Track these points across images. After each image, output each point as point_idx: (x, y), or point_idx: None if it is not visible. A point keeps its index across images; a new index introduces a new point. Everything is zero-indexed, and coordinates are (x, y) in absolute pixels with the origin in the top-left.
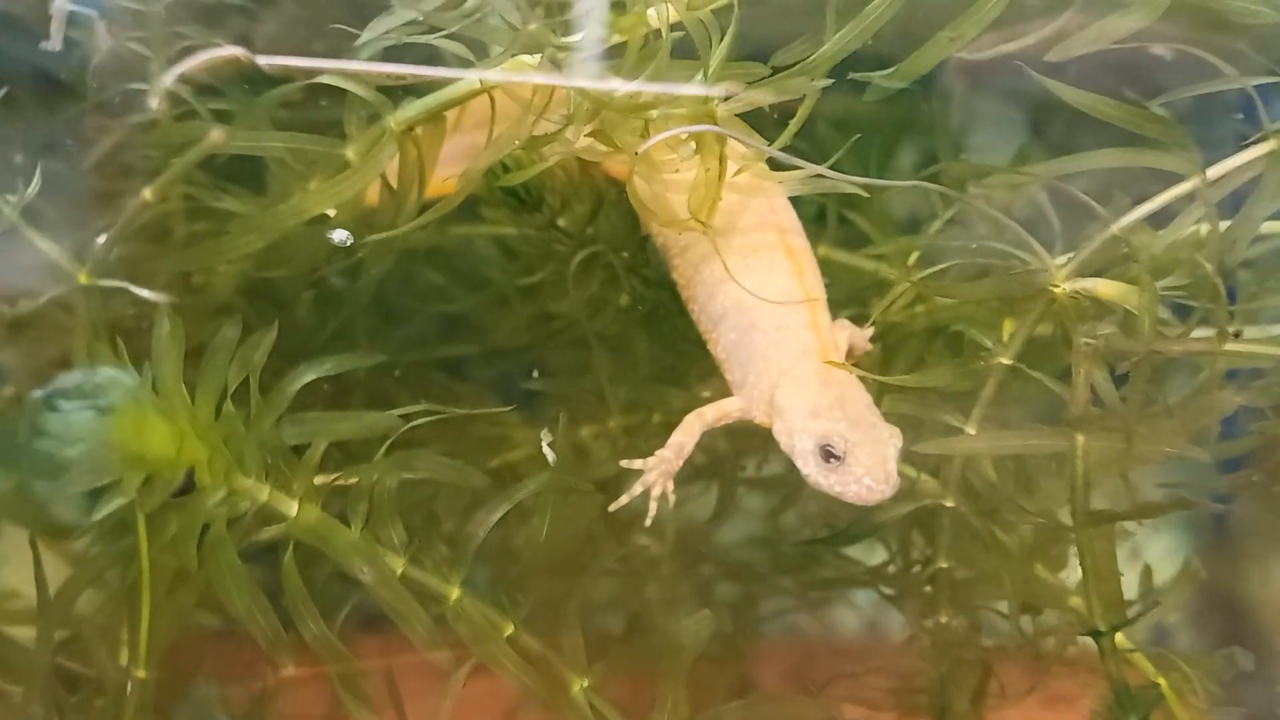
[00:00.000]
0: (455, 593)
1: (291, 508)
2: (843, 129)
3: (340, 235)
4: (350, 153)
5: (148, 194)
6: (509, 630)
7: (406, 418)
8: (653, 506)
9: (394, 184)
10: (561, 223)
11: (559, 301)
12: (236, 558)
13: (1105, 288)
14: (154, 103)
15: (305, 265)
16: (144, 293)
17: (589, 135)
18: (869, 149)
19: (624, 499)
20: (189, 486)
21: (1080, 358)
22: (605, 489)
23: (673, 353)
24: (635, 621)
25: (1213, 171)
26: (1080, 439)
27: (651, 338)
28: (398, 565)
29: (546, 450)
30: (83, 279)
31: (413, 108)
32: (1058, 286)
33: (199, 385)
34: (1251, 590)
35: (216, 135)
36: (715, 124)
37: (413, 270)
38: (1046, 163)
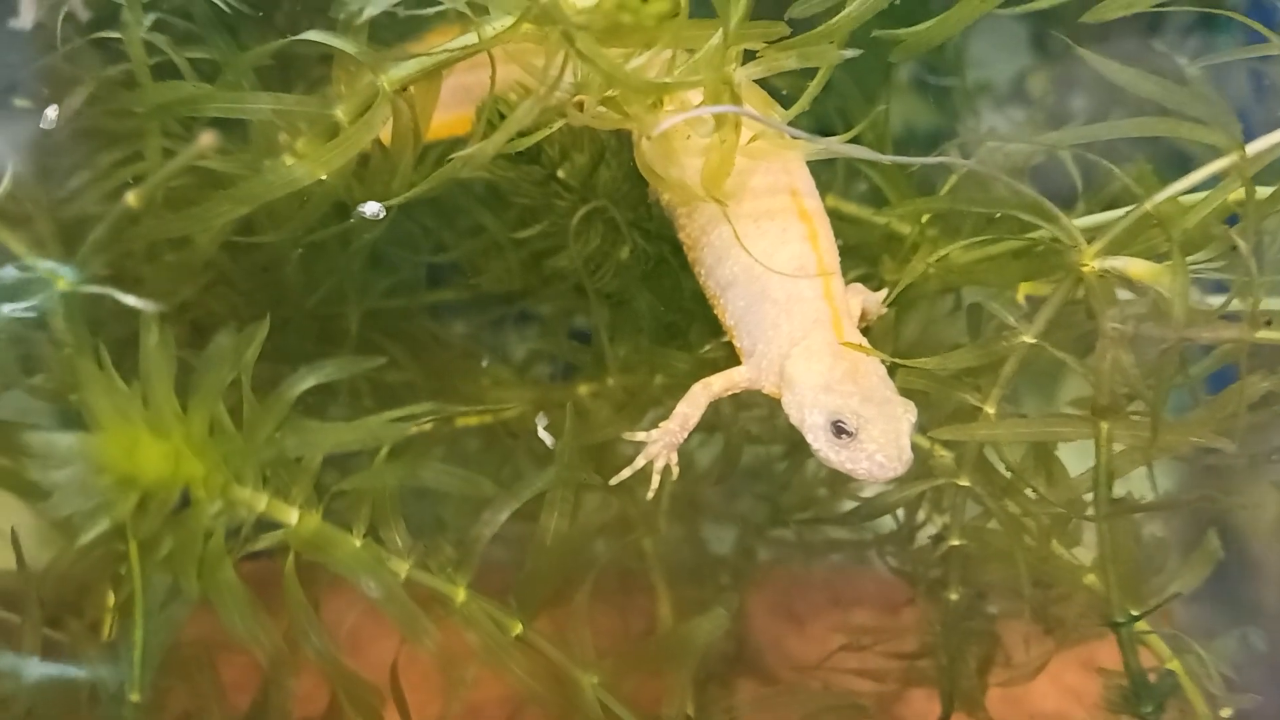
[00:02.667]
0: (462, 594)
1: (291, 515)
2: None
3: (371, 209)
4: (340, 114)
5: (132, 199)
6: (517, 630)
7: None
8: (655, 479)
9: (385, 139)
10: (560, 174)
11: (557, 255)
12: (236, 577)
13: (1136, 268)
14: None
15: (295, 230)
16: (131, 300)
17: (600, 104)
18: (871, 67)
19: (626, 473)
20: (182, 501)
21: (1107, 342)
22: (602, 452)
23: (675, 309)
24: (630, 583)
25: (1253, 148)
26: (1105, 427)
27: (653, 294)
28: (401, 569)
29: (543, 434)
30: (62, 285)
31: (407, 66)
32: (1086, 265)
33: (192, 397)
34: (1241, 518)
35: (207, 139)
36: (733, 90)
37: (403, 218)
38: (1074, 129)
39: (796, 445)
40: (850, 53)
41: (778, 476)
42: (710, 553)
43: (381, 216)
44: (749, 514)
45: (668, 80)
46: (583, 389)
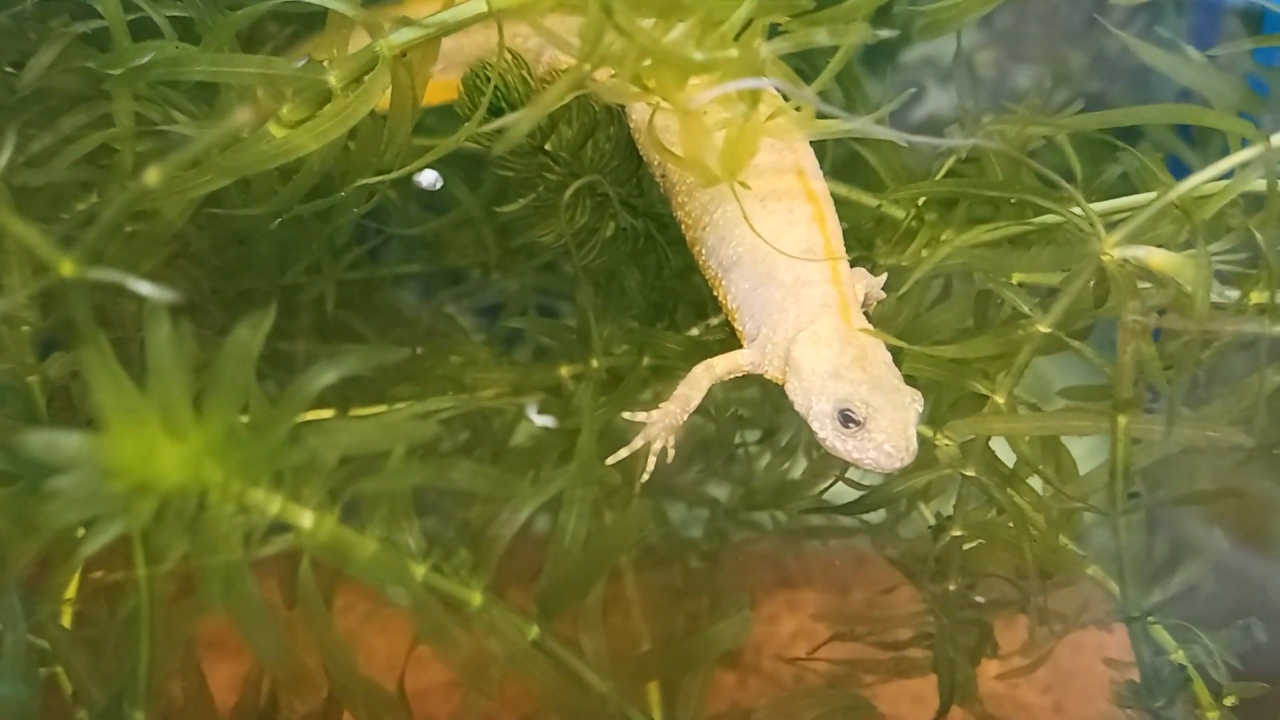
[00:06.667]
0: (478, 598)
1: (305, 518)
2: None
3: (429, 177)
4: (333, 79)
5: (152, 177)
6: (533, 635)
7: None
8: (651, 462)
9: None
10: (548, 147)
11: (532, 230)
12: (257, 592)
13: (1158, 258)
14: None
15: (279, 203)
16: (142, 286)
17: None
18: None
19: (623, 453)
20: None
21: (1127, 334)
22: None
23: (660, 289)
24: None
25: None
26: (1123, 421)
27: (639, 272)
28: (417, 572)
29: (536, 417)
30: (66, 269)
31: (408, 32)
32: (1107, 255)
33: (210, 396)
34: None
35: (244, 114)
36: (761, 67)
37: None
38: (1094, 113)
39: (776, 427)
40: (886, 32)
41: (751, 459)
42: (679, 534)
43: (439, 186)
44: (719, 496)
45: (710, 55)
46: (565, 370)
